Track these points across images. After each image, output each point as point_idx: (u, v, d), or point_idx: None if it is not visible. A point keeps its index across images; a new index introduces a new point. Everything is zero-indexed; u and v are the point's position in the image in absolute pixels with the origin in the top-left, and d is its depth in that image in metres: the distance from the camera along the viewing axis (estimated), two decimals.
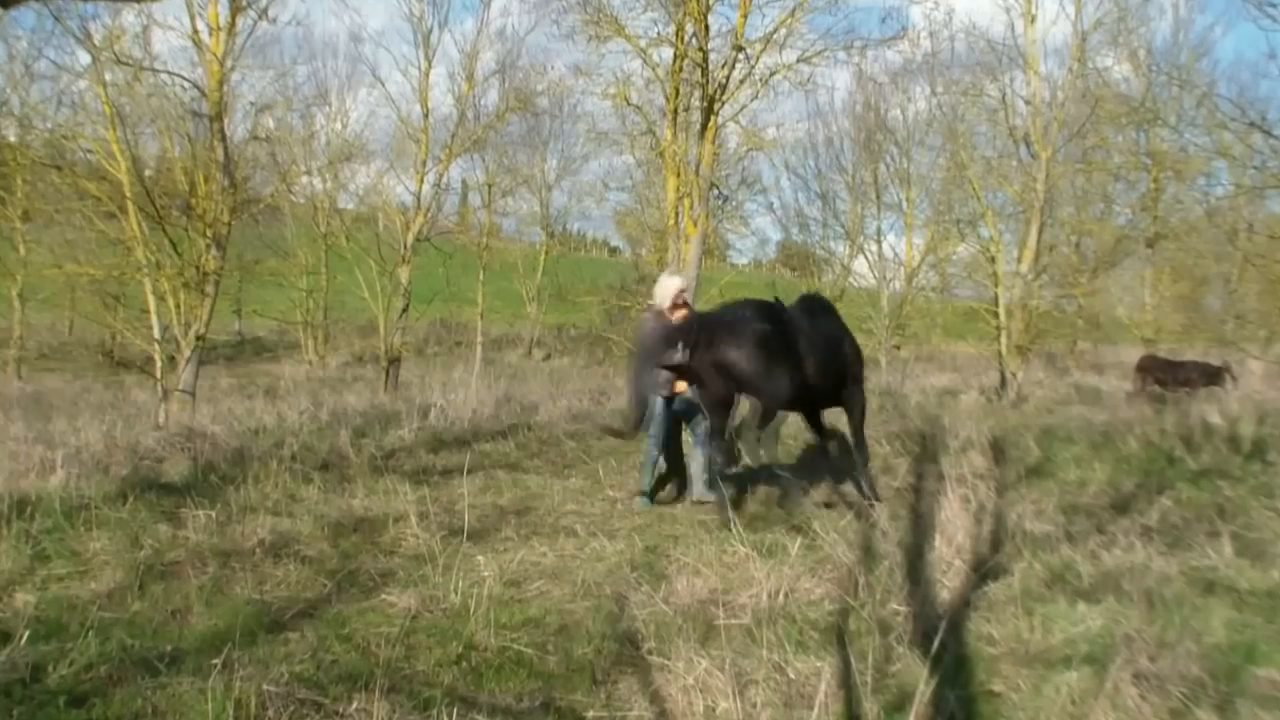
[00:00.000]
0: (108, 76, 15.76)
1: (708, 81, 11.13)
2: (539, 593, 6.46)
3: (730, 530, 7.69)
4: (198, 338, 15.54)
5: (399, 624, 5.63)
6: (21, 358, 31.15)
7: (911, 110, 31.87)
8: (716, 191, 13.25)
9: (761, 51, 11.06)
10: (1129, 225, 30.67)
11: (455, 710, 4.53)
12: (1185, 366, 20.29)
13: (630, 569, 6.88)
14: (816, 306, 9.66)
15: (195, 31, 15.79)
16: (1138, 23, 26.78)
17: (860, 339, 29.27)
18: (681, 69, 11.87)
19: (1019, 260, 22.60)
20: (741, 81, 11.32)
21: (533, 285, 40.09)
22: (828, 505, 9.37)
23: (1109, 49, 25.56)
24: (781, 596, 6.10)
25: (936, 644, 4.81)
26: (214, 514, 7.64)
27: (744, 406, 9.22)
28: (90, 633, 5.14)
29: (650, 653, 5.23)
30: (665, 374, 9.45)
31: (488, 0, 34.19)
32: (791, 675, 4.92)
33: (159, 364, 16.17)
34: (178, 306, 15.66)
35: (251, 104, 20.57)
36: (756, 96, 11.80)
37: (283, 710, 4.46)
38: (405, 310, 24.48)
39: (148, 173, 18.43)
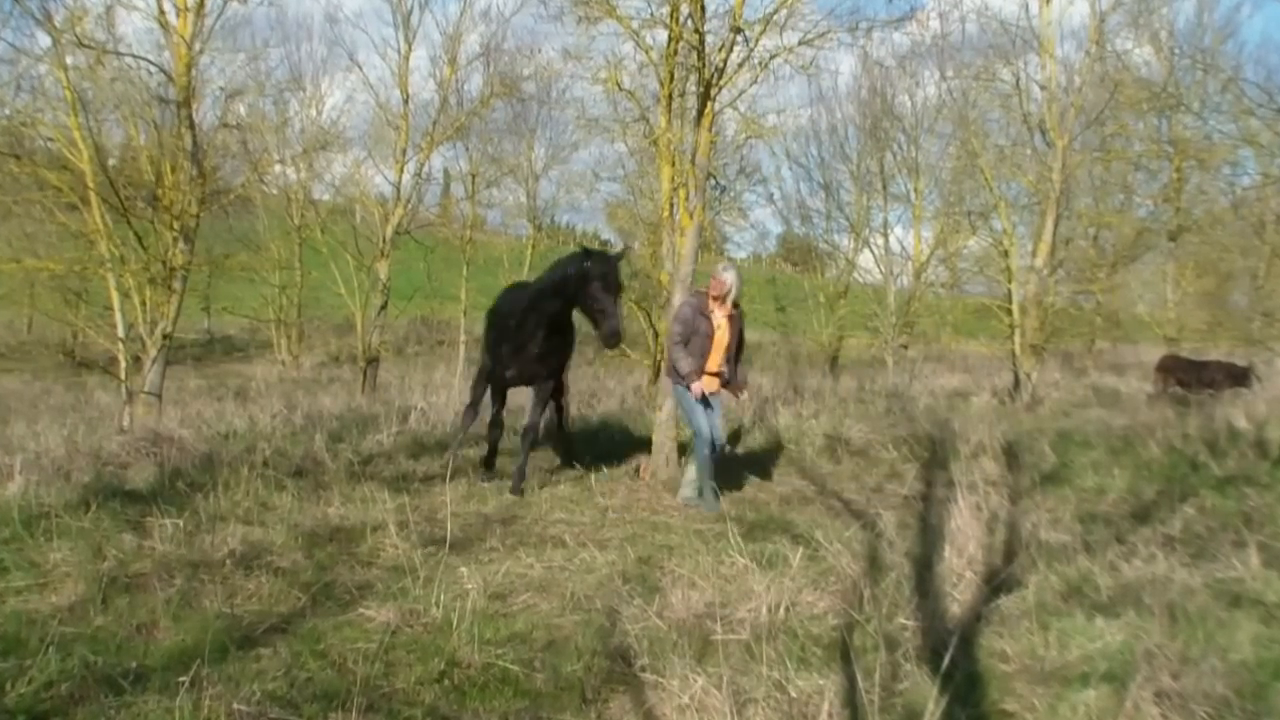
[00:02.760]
0: (69, 60, 15.72)
1: (704, 65, 11.11)
2: (525, 606, 6.46)
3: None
4: (164, 336, 15.50)
5: (377, 639, 5.63)
6: None
7: (920, 96, 31.89)
8: (713, 182, 13.21)
9: (761, 33, 11.03)
10: (1150, 217, 30.71)
11: None
12: (1209, 367, 20.32)
13: (622, 581, 6.89)
14: None
15: (162, 12, 15.73)
16: (1159, 3, 26.89)
17: (866, 337, 28.99)
18: (676, 52, 11.85)
19: (1034, 254, 22.62)
20: (740, 65, 11.29)
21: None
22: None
23: (1129, 31, 25.61)
24: (782, 610, 6.11)
25: (947, 661, 4.81)
26: (181, 523, 7.62)
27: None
28: (50, 648, 5.13)
29: (643, 670, 5.23)
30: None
31: None
32: (793, 694, 4.92)
33: (123, 364, 16.14)
34: (143, 303, 15.63)
35: (221, 89, 20.40)
36: (756, 81, 11.78)
37: None
38: (384, 307, 24.45)
39: (111, 162, 18.36)
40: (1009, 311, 23.37)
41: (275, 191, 31.62)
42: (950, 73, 27.01)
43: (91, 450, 10.84)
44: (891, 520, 8.27)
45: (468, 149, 32.23)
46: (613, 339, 10.07)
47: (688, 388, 10.14)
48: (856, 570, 6.81)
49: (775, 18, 11.09)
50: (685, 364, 10.14)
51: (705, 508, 9.90)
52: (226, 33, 23.18)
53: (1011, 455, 11.54)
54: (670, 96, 12.20)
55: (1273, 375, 20.96)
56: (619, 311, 10.19)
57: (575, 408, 17.17)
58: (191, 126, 15.69)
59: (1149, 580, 6.55)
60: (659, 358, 18.02)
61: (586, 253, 10.16)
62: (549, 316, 10.48)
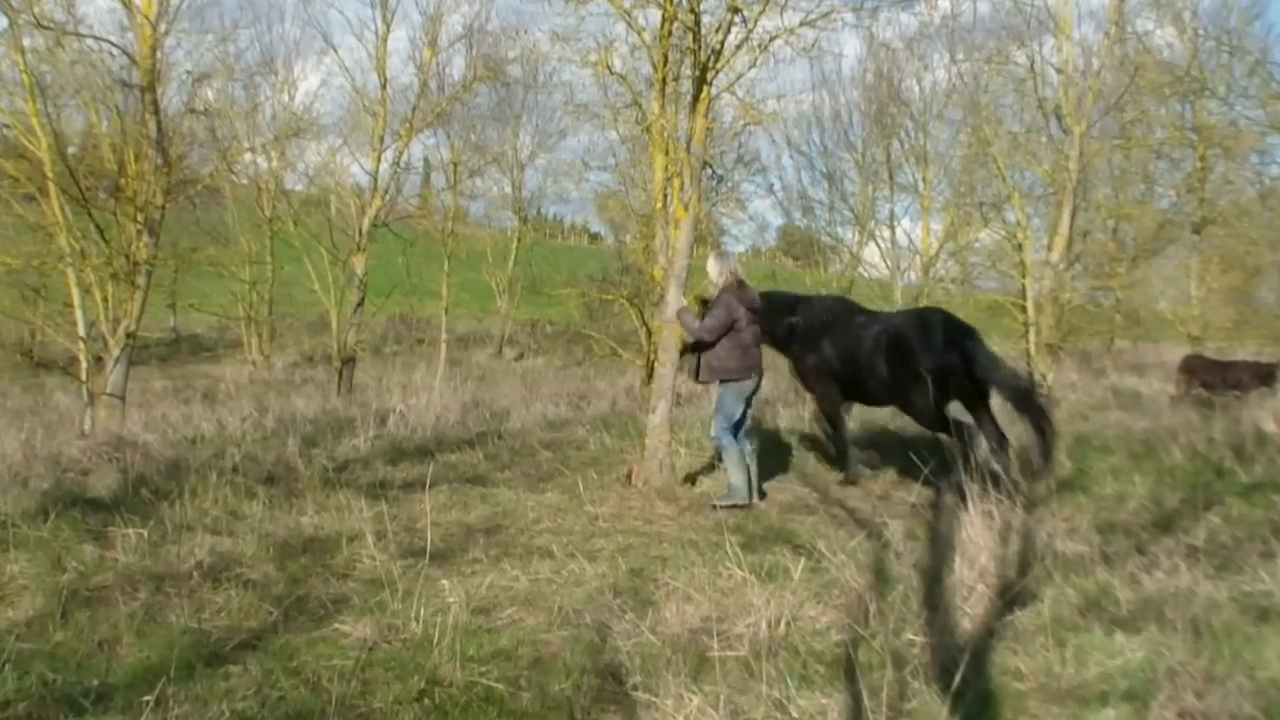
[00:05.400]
0: (26, 42, 15.70)
1: (700, 47, 11.10)
2: (510, 621, 6.47)
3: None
4: (128, 335, 15.49)
5: (353, 656, 5.63)
6: None
7: (929, 80, 31.82)
8: (710, 171, 13.23)
9: (760, 13, 11.01)
10: (1173, 208, 30.65)
11: None
12: (1235, 367, 20.30)
13: (613, 594, 6.89)
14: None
15: None
16: None
17: None
18: (670, 33, 11.87)
19: (1049, 248, 22.60)
20: (738, 47, 11.27)
21: (503, 276, 40.00)
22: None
23: (1150, 11, 25.63)
24: (783, 625, 6.12)
25: (957, 679, 4.82)
26: (146, 533, 7.63)
27: None
28: (7, 666, 5.13)
29: (635, 688, 5.24)
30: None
31: None
32: (794, 714, 4.92)
33: (84, 365, 16.10)
34: (105, 300, 15.61)
35: (188, 73, 20.44)
36: (755, 64, 11.75)
37: None
38: (360, 304, 24.42)
39: (71, 150, 18.38)
40: (1023, 309, 23.35)
41: (245, 181, 31.58)
42: (961, 55, 26.97)
43: (50, 456, 10.83)
44: (898, 530, 8.28)
45: (449, 136, 32.31)
46: None
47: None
48: (861, 583, 6.81)
49: None
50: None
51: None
52: (193, 13, 23.22)
53: (1026, 461, 11.54)
54: (664, 80, 12.21)
55: None
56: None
57: (565, 409, 17.19)
58: (156, 112, 15.67)
59: (1171, 593, 6.55)
60: (651, 358, 18.01)
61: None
62: None
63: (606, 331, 28.52)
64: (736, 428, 10.56)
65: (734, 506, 10.14)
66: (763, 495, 10.77)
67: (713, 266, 10.74)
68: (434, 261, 32.47)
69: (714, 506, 10.18)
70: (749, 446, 10.71)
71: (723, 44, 11.10)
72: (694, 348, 10.80)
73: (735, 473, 10.39)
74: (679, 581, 6.89)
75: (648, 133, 12.59)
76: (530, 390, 20.65)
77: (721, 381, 10.58)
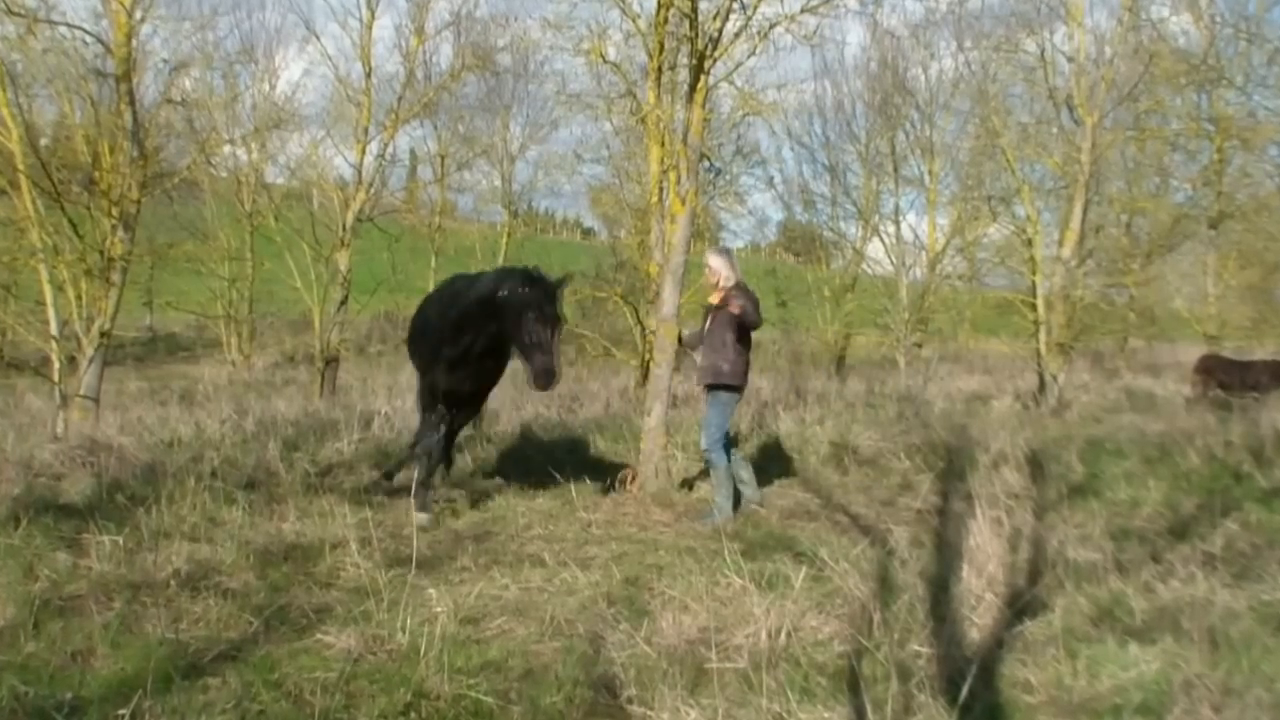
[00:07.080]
0: None
1: (697, 35, 11.10)
2: (500, 631, 6.46)
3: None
4: (102, 334, 15.45)
5: (337, 668, 5.62)
6: None
7: (935, 69, 31.95)
8: (707, 163, 13.25)
9: None
10: (1189, 202, 30.66)
11: None
12: (1253, 367, 20.31)
13: (607, 604, 6.89)
14: None
15: None
16: None
17: (876, 334, 28.89)
18: (667, 20, 11.86)
19: (1060, 243, 22.64)
20: (737, 35, 11.26)
21: None
22: None
23: None
24: (783, 636, 6.11)
25: (965, 691, 4.82)
26: (121, 540, 7.60)
27: None
28: None
29: (630, 701, 5.24)
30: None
31: None
32: None
33: (57, 365, 16.06)
34: (79, 298, 15.57)
35: (165, 62, 20.37)
36: (754, 53, 11.74)
37: None
38: (344, 302, 24.40)
39: (44, 142, 18.36)
40: (1033, 306, 23.38)
41: (224, 174, 31.55)
42: (968, 43, 27.09)
43: (21, 460, 10.80)
44: (904, 537, 8.27)
45: (436, 127, 32.25)
46: (544, 378, 9.27)
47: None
48: (865, 592, 6.81)
49: None
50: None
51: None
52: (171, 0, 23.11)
53: (1036, 465, 11.55)
54: (660, 69, 12.20)
55: None
56: (556, 348, 9.39)
57: (557, 411, 17.18)
58: (132, 103, 15.64)
59: (1188, 603, 6.55)
60: (646, 358, 18.00)
61: (528, 277, 9.36)
62: (489, 337, 9.77)
63: (600, 330, 28.56)
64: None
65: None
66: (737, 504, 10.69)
67: (719, 261, 10.56)
68: (420, 257, 32.47)
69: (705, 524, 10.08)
70: (736, 456, 10.68)
71: (721, 31, 11.10)
72: (688, 345, 10.81)
73: (721, 491, 10.32)
74: (675, 590, 6.89)
75: (643, 124, 12.60)
76: (520, 392, 20.62)
77: (723, 389, 10.39)
